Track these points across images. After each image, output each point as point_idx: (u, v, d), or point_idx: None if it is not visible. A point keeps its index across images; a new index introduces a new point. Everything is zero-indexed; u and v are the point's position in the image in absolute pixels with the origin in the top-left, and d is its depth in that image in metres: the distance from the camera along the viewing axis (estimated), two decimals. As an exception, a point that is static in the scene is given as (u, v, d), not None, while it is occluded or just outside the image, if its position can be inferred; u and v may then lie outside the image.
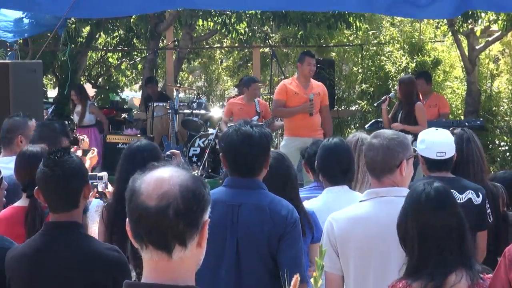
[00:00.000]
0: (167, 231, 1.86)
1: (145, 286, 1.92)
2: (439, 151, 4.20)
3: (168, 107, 11.81)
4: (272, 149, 3.75)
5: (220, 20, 14.44)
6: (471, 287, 2.81)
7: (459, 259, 2.91)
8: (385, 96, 9.53)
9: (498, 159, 11.82)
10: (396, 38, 12.98)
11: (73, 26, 15.26)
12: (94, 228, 4.25)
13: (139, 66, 20.75)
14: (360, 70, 13.46)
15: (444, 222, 2.95)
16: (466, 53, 12.09)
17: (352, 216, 3.48)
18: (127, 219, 1.92)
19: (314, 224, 3.99)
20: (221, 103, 19.63)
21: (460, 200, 4.10)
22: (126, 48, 18.93)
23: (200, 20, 14.86)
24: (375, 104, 10.32)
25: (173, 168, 1.93)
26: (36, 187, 3.30)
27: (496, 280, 3.05)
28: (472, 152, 4.42)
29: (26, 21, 10.96)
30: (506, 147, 12.11)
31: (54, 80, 20.34)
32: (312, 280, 2.09)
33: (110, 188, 4.75)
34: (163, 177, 1.89)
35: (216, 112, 12.79)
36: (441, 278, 2.89)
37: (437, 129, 4.30)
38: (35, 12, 10.29)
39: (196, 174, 1.96)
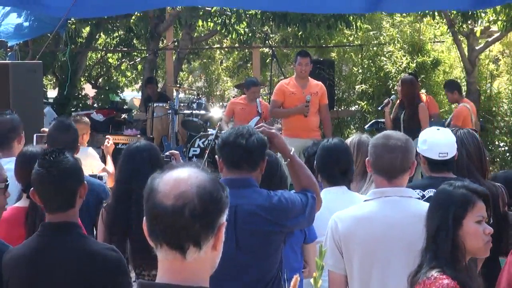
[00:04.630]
0: (182, 231, 1.85)
1: (159, 286, 1.91)
2: (441, 151, 4.16)
3: (168, 107, 11.81)
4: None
5: (220, 21, 14.41)
6: (419, 285, 2.85)
7: (426, 258, 2.97)
8: (387, 99, 9.54)
9: (498, 159, 11.82)
10: (396, 39, 12.97)
11: (73, 26, 15.24)
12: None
13: (139, 67, 20.74)
14: (360, 71, 13.45)
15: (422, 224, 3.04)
16: (466, 53, 12.10)
17: (357, 215, 3.48)
18: (144, 217, 1.92)
19: None
20: (221, 103, 19.60)
21: None
22: (126, 49, 18.92)
23: (200, 21, 14.83)
24: (379, 108, 10.33)
25: (192, 168, 1.92)
26: (32, 188, 3.28)
27: (503, 276, 3.12)
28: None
29: (26, 24, 10.95)
30: (506, 147, 12.11)
31: (54, 80, 20.33)
32: (312, 280, 2.09)
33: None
34: (181, 177, 1.89)
35: (216, 112, 12.77)
36: (411, 275, 2.97)
37: (438, 129, 4.26)
38: (37, 11, 10.27)
39: (215, 176, 1.95)
